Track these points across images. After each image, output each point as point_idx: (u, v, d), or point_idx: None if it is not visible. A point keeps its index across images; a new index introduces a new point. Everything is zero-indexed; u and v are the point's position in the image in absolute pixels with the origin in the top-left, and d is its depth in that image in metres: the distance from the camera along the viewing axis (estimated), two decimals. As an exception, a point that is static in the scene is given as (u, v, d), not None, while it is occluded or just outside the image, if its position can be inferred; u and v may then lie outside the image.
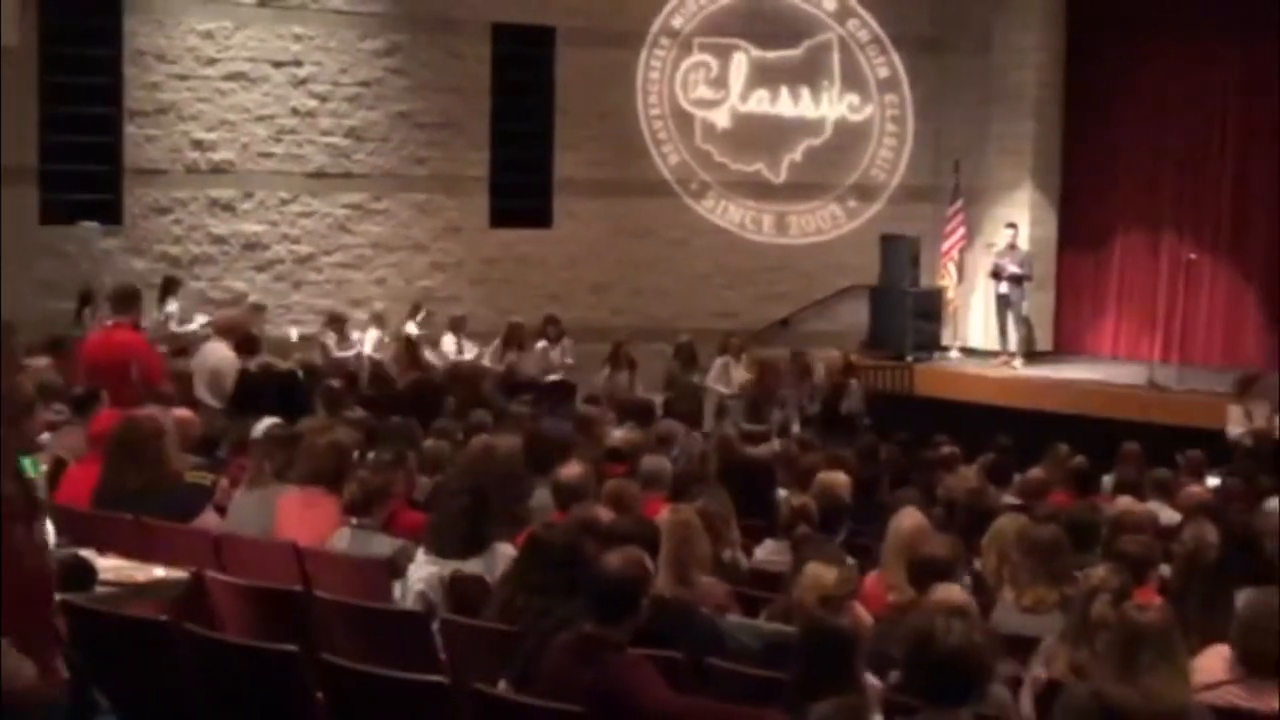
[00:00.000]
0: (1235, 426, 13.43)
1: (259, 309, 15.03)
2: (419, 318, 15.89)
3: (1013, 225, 16.98)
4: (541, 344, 16.00)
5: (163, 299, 14.56)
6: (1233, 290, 17.10)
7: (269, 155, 16.08)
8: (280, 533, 7.07)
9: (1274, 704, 4.83)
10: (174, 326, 14.40)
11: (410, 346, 15.57)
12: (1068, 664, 5.19)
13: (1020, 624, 6.06)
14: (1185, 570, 6.19)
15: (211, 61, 15.74)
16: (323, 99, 16.29)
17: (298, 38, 16.08)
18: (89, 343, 11.00)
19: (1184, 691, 4.48)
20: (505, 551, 6.28)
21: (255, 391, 10.96)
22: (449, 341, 15.89)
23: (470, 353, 15.83)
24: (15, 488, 4.26)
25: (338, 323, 15.40)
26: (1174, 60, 17.29)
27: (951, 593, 5.49)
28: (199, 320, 14.18)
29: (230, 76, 15.85)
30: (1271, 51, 16.60)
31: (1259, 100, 16.83)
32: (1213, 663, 5.05)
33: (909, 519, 6.67)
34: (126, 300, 10.60)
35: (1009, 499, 9.59)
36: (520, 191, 17.54)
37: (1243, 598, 5.20)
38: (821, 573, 5.57)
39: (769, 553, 7.59)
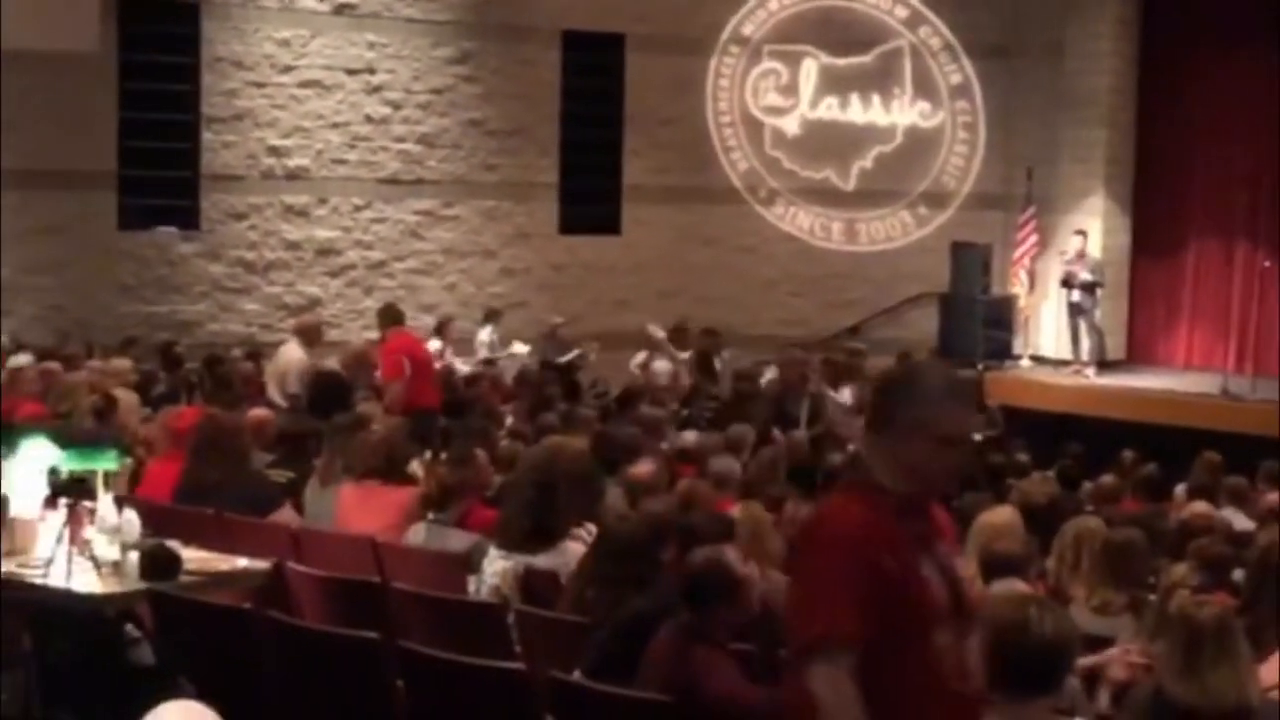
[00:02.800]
0: None
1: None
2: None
3: (1082, 232, 16.88)
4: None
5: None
6: (1309, 299, 16.91)
7: (343, 162, 16.24)
8: (341, 525, 7.19)
9: None
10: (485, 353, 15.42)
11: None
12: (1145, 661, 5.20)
13: (1089, 624, 6.06)
14: (1257, 573, 6.17)
15: (287, 69, 15.91)
16: (396, 106, 16.44)
17: (371, 45, 16.23)
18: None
19: (1246, 688, 4.47)
20: (576, 549, 6.35)
21: (324, 391, 11.08)
22: (485, 334, 15.83)
23: (510, 349, 15.73)
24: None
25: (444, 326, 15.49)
26: (1247, 67, 17.13)
27: (1015, 587, 5.51)
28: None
29: (305, 84, 16.02)
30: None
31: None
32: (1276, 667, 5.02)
33: (999, 515, 6.72)
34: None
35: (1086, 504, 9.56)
36: (589, 198, 17.63)
37: None
38: None
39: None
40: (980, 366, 16.67)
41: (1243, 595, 6.12)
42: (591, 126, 17.50)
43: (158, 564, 5.71)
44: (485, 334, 15.79)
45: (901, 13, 18.20)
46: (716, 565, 5.06)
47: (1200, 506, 8.94)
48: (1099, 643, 5.65)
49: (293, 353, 12.06)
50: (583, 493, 7.39)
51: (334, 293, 16.18)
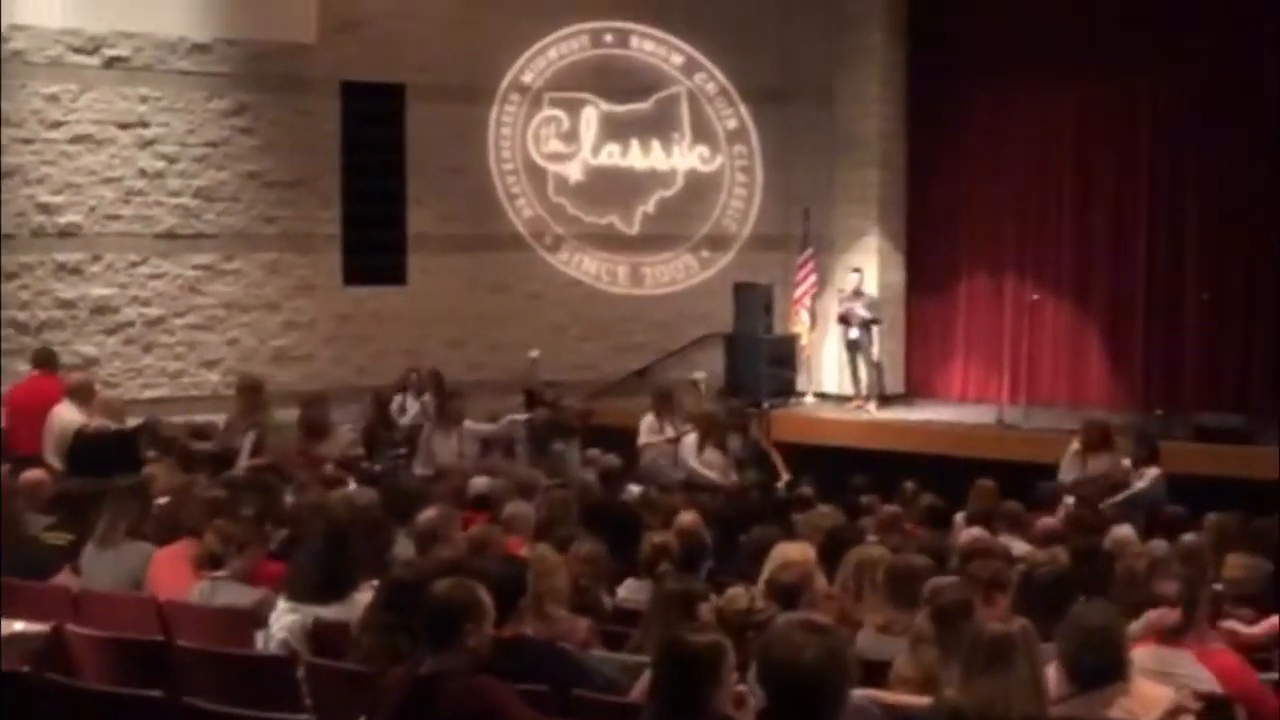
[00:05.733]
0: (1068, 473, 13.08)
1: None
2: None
3: (859, 270, 17.33)
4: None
5: None
6: (1075, 330, 17.53)
7: (117, 217, 15.88)
8: (153, 588, 7.04)
9: (1101, 715, 4.88)
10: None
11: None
12: (914, 673, 5.34)
13: (878, 647, 6.19)
14: (1024, 586, 6.38)
15: (57, 124, 15.53)
16: (171, 160, 16.14)
17: (144, 99, 15.92)
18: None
19: (1030, 701, 4.60)
20: (365, 598, 6.30)
21: (90, 451, 10.89)
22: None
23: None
24: None
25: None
26: (1012, 108, 17.77)
27: (804, 615, 5.62)
28: None
29: (76, 139, 15.64)
30: (1106, 99, 17.19)
31: (1095, 145, 17.37)
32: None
33: (792, 548, 6.87)
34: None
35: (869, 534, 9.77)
36: (373, 248, 17.48)
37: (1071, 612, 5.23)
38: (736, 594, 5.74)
39: (631, 591, 7.69)
40: (765, 405, 16.95)
41: (1015, 608, 6.31)
42: (374, 176, 17.39)
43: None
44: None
45: (677, 60, 18.48)
46: (460, 589, 5.03)
47: (977, 532, 9.20)
48: (885, 665, 5.78)
49: (67, 413, 11.76)
50: (372, 542, 7.36)
51: (111, 351, 15.79)
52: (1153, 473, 12.36)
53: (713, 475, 13.44)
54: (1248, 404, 15.94)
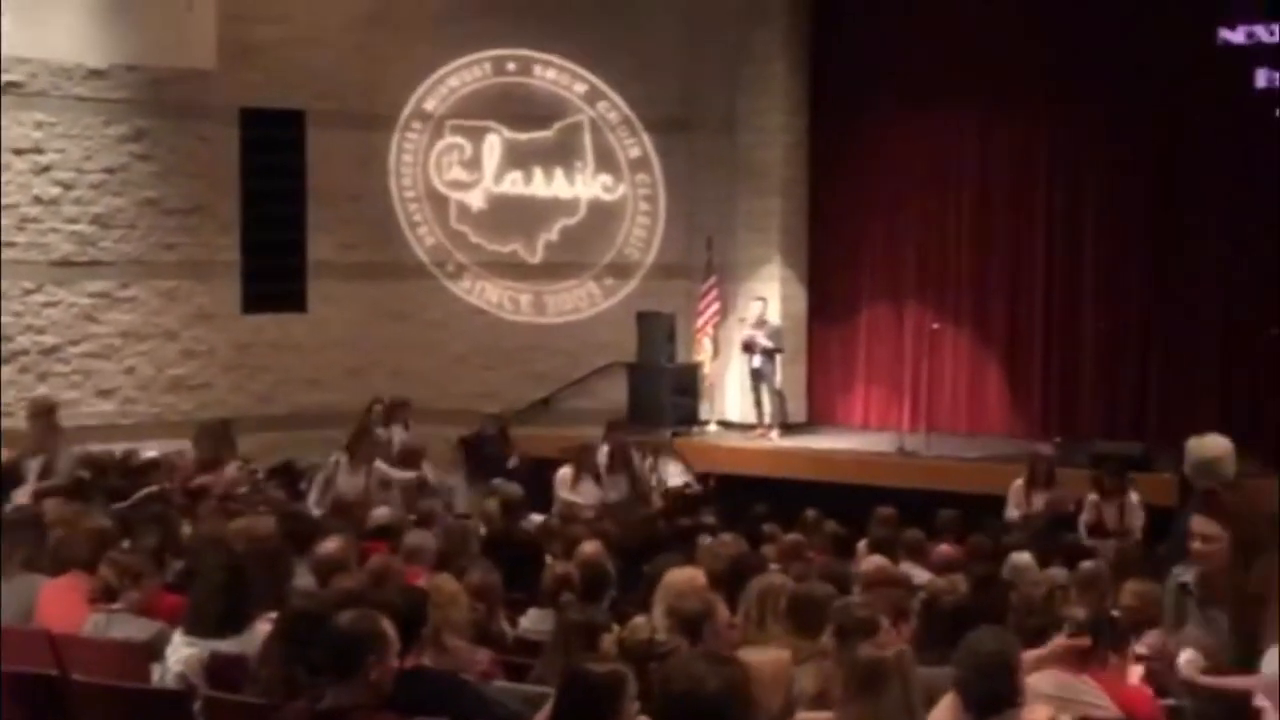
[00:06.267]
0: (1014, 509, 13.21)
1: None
2: None
3: (761, 299, 17.41)
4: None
5: None
6: (975, 358, 17.71)
7: (11, 245, 15.62)
8: (42, 621, 6.90)
9: None
10: None
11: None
12: (812, 688, 5.37)
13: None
14: (926, 613, 6.41)
15: (-52, 150, 15.31)
16: (67, 186, 15.92)
17: (39, 124, 15.70)
18: None
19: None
20: (264, 631, 6.21)
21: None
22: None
23: None
24: None
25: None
26: (913, 138, 17.93)
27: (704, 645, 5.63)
28: None
29: (-32, 165, 15.42)
30: (1006, 131, 17.43)
31: (995, 176, 17.59)
32: (943, 709, 5.19)
33: (683, 574, 6.86)
34: None
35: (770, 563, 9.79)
36: (273, 276, 17.34)
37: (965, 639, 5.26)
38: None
39: (534, 621, 7.65)
40: (669, 433, 16.97)
41: (915, 637, 6.34)
42: (273, 203, 17.25)
43: None
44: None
45: (580, 88, 18.50)
46: (363, 621, 4.98)
47: (879, 560, 9.25)
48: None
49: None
50: (271, 573, 7.26)
51: (5, 380, 15.52)
52: (1135, 499, 12.54)
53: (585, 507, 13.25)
54: (1144, 431, 16.18)
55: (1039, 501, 13.03)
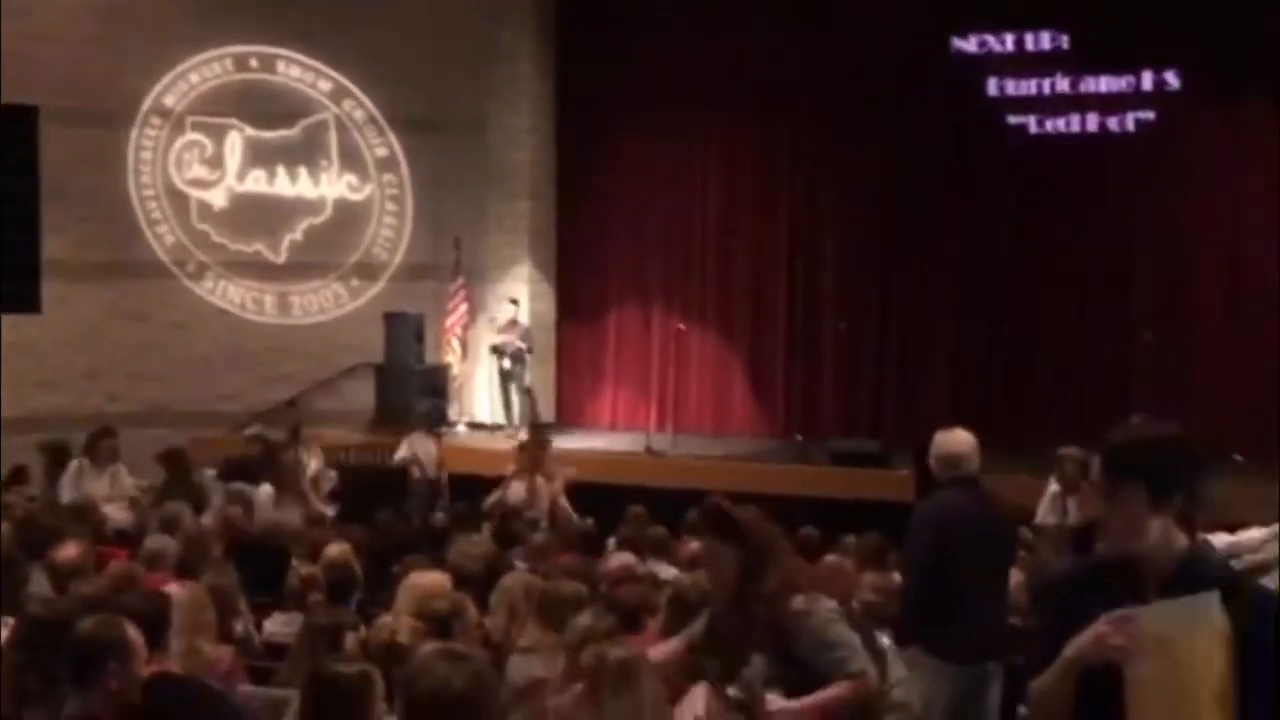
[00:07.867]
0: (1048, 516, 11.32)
1: None
2: None
3: (515, 301, 17.46)
4: None
5: None
6: (719, 360, 18.03)
7: None
8: None
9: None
10: None
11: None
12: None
13: (528, 669, 6.24)
14: (673, 608, 6.51)
15: None
16: None
17: None
18: None
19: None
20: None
21: None
22: None
23: None
24: None
25: None
26: (658, 141, 18.19)
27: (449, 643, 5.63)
28: None
29: None
30: (749, 135, 17.79)
31: (738, 180, 17.95)
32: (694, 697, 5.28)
33: (429, 577, 6.85)
34: None
35: (518, 562, 9.82)
36: (4, 275, 16.67)
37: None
38: None
39: (279, 624, 7.56)
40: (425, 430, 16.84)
41: (664, 633, 6.43)
42: (4, 201, 16.58)
43: None
44: None
45: (325, 86, 18.29)
46: (106, 627, 4.88)
47: (624, 558, 9.35)
48: (540, 684, 5.84)
49: None
50: (6, 579, 7.04)
51: None
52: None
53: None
54: (881, 430, 16.67)
55: (1072, 507, 11.15)
